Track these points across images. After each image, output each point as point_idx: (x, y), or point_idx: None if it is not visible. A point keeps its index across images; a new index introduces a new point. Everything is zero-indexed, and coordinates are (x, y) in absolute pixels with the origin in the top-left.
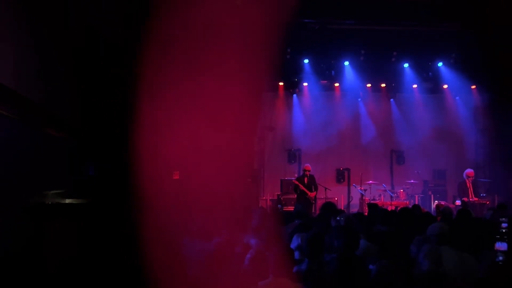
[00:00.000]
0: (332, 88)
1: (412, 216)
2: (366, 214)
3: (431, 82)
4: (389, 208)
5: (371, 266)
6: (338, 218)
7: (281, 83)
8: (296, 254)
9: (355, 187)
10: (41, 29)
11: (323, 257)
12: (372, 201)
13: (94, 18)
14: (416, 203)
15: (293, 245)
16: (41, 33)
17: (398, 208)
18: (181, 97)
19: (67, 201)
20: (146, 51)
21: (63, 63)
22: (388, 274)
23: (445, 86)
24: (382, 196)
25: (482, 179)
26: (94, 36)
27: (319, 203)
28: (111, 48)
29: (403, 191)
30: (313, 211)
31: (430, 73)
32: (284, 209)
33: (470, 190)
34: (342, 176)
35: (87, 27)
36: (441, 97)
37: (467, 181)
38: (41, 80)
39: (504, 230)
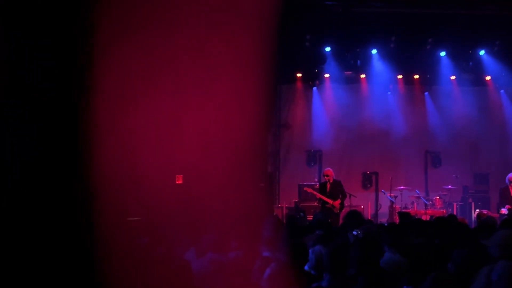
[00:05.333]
0: (357, 80)
1: (450, 227)
2: (397, 223)
3: (472, 73)
4: (423, 218)
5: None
6: (354, 232)
7: (299, 74)
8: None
9: (384, 193)
10: None
11: (346, 273)
12: (403, 210)
13: None
14: (454, 212)
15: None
16: None
17: (434, 218)
18: (185, 90)
19: None
20: (136, 36)
21: None
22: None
23: (488, 78)
24: (415, 203)
25: None
26: None
27: (344, 211)
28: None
29: (439, 198)
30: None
31: (470, 63)
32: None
33: None
34: (369, 181)
35: None
36: (483, 90)
37: (510, 187)
38: None
39: None
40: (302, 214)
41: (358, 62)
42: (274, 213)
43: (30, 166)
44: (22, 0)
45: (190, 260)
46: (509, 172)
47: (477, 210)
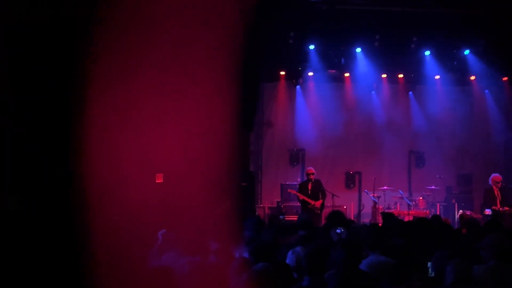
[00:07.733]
0: (341, 78)
1: (431, 228)
2: (380, 224)
3: (456, 73)
4: (406, 218)
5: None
6: (338, 231)
7: (282, 72)
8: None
9: (367, 193)
10: None
11: (326, 274)
12: (386, 210)
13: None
14: (438, 212)
15: (288, 262)
16: None
17: (415, 218)
18: (165, 89)
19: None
20: (117, 37)
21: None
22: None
23: (473, 78)
24: (398, 204)
25: None
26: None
27: (326, 211)
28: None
29: (423, 198)
30: (321, 222)
31: (455, 62)
32: (285, 218)
33: (498, 198)
34: (352, 180)
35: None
36: (468, 90)
37: (494, 187)
38: None
39: None
40: (282, 216)
41: (342, 60)
42: (256, 213)
43: (29, 165)
44: (23, 10)
45: (169, 261)
46: (493, 173)
47: (460, 211)
